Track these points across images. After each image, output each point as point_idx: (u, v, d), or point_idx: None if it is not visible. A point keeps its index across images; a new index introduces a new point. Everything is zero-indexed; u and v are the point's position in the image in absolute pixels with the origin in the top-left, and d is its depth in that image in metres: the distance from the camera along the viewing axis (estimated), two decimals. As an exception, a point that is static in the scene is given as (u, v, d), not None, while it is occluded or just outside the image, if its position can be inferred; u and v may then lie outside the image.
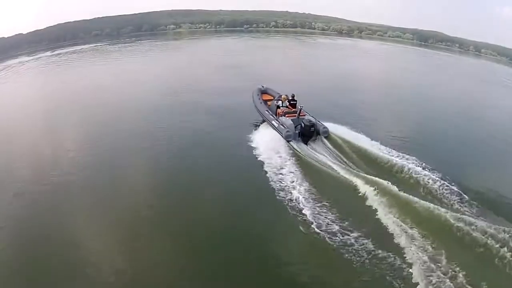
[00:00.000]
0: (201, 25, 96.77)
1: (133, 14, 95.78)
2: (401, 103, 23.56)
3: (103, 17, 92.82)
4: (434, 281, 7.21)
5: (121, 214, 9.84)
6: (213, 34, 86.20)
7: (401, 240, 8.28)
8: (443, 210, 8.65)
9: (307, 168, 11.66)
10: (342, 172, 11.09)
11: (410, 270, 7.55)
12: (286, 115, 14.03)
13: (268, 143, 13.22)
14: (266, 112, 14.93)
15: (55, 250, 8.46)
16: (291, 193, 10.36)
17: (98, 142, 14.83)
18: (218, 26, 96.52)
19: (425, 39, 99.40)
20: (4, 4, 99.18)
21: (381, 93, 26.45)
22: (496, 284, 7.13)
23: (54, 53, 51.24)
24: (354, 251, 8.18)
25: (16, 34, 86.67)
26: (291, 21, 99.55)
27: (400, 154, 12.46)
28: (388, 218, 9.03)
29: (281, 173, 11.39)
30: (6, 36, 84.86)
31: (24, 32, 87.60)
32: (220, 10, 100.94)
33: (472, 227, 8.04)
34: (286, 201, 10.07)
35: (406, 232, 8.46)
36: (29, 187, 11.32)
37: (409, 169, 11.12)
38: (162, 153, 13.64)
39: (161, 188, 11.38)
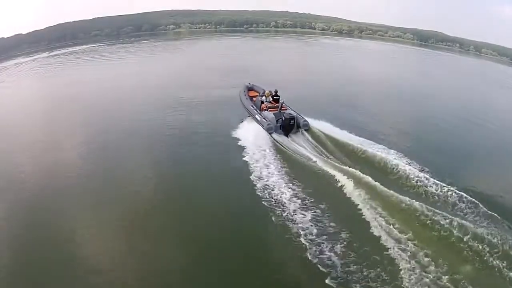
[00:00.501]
0: (201, 25, 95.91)
1: (133, 14, 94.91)
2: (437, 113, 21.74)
3: (103, 17, 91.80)
4: (404, 268, 7.53)
5: (107, 214, 9.91)
6: (214, 34, 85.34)
7: (377, 230, 8.58)
8: (417, 203, 8.94)
9: (287, 160, 12.15)
10: (321, 164, 11.57)
11: (384, 256, 7.90)
12: (269, 110, 14.69)
13: (251, 136, 13.75)
14: (251, 107, 15.57)
15: (55, 250, 8.48)
16: (270, 184, 10.70)
17: (84, 150, 14.39)
18: (218, 26, 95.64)
19: (425, 39, 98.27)
20: (4, 4, 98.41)
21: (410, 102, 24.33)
22: (466, 270, 7.48)
23: (51, 54, 50.45)
24: (330, 242, 8.37)
25: (15, 35, 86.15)
26: (291, 21, 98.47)
27: (391, 150, 12.79)
28: (365, 207, 9.35)
29: (261, 165, 11.81)
30: (5, 37, 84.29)
31: (24, 33, 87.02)
32: (220, 10, 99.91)
33: (447, 220, 8.40)
34: (265, 193, 10.36)
35: (381, 224, 8.76)
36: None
37: (390, 162, 11.42)
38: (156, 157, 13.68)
39: (149, 182, 11.48)
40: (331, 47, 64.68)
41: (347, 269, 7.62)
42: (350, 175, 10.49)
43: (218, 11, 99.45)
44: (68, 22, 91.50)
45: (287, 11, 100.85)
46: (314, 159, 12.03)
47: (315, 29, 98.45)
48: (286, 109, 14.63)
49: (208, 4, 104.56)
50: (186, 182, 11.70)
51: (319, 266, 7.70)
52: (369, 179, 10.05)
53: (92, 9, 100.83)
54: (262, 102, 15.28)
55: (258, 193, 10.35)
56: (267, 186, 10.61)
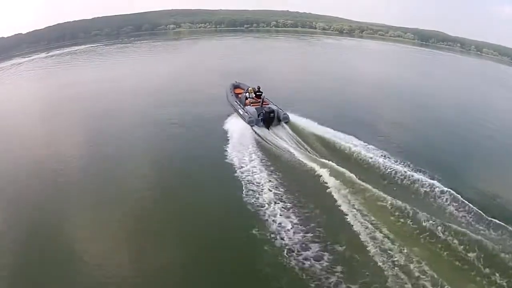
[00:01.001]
0: (201, 24, 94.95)
1: (133, 13, 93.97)
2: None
3: (103, 16, 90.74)
4: (379, 260, 7.68)
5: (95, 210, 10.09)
6: (214, 34, 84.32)
7: (352, 220, 8.88)
8: (389, 197, 9.20)
9: (268, 152, 12.73)
10: (300, 156, 12.06)
11: (354, 243, 8.22)
12: (252, 105, 15.49)
13: (235, 130, 14.51)
14: (235, 103, 16.47)
15: (52, 249, 8.57)
16: (251, 175, 11.10)
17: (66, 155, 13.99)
18: (218, 26, 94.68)
19: (426, 38, 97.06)
20: (5, 3, 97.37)
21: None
22: (438, 262, 7.62)
23: (49, 54, 49.59)
24: (306, 233, 8.59)
25: (15, 34, 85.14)
26: (291, 20, 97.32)
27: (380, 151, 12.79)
28: (341, 200, 9.68)
29: (243, 157, 12.31)
30: (5, 36, 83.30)
31: (24, 32, 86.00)
32: (220, 9, 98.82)
33: (421, 217, 8.56)
34: (246, 183, 10.66)
35: (355, 214, 9.10)
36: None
37: (365, 156, 11.96)
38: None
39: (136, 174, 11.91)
40: (334, 47, 63.52)
41: (321, 261, 7.83)
42: (326, 167, 10.93)
43: (218, 11, 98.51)
44: (67, 22, 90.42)
45: (287, 10, 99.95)
46: (293, 151, 12.59)
47: (316, 28, 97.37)
48: (267, 104, 15.52)
49: (208, 4, 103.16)
50: (171, 175, 12.02)
51: (293, 257, 7.89)
52: (345, 171, 10.57)
53: (92, 9, 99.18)
54: (246, 98, 16.06)
55: (238, 184, 10.63)
56: (248, 177, 10.98)
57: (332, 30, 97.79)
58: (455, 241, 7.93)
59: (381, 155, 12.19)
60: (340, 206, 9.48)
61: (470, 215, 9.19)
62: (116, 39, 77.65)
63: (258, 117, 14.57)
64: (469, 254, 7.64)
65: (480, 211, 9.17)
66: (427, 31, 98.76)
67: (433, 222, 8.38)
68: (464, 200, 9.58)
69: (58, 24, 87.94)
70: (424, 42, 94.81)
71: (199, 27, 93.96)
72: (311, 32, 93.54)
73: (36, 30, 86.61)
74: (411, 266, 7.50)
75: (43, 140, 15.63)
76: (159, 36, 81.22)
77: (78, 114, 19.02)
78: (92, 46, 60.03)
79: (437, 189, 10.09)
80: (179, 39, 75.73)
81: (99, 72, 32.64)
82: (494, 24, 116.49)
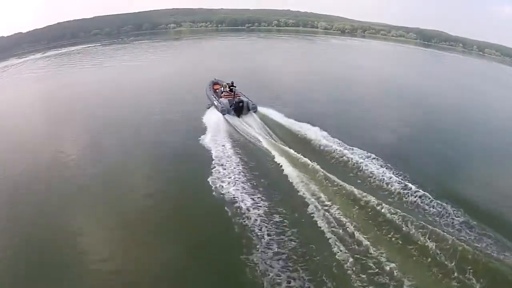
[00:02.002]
0: (202, 24, 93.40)
1: (133, 13, 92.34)
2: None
3: (103, 15, 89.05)
4: (334, 246, 8.29)
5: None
6: (215, 33, 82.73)
7: (312, 208, 9.64)
8: (348, 185, 10.19)
9: (237, 138, 14.47)
10: (265, 143, 13.58)
11: (309, 224, 9.09)
12: (225, 97, 17.48)
13: (211, 118, 16.65)
14: (212, 96, 18.53)
15: (56, 248, 8.86)
16: (221, 159, 12.41)
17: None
18: (219, 25, 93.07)
19: (428, 38, 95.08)
20: (5, 2, 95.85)
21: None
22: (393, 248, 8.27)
23: (44, 55, 48.04)
24: (266, 215, 9.48)
25: (15, 33, 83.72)
26: (293, 20, 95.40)
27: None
28: (299, 183, 10.77)
29: (215, 142, 13.89)
30: (5, 35, 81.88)
31: (24, 31, 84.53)
32: (221, 8, 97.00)
33: (379, 207, 9.22)
34: (216, 166, 11.95)
35: (309, 197, 10.09)
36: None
37: (324, 145, 13.30)
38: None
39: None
40: (341, 49, 61.71)
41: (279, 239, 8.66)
42: (286, 154, 12.45)
43: (219, 10, 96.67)
44: (68, 21, 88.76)
45: (288, 9, 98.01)
46: (260, 138, 14.19)
47: (317, 28, 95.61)
48: (239, 96, 17.35)
49: (209, 3, 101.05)
50: (149, 154, 13.94)
51: (255, 232, 8.82)
52: (300, 156, 11.95)
53: (93, 8, 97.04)
54: (222, 92, 18.15)
55: (210, 166, 11.96)
56: (219, 161, 12.25)
57: (334, 30, 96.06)
58: (415, 231, 8.48)
59: (337, 143, 13.46)
60: (296, 186, 10.71)
61: (426, 204, 9.93)
62: (116, 38, 76.08)
63: (230, 107, 16.54)
64: (427, 244, 8.18)
65: (439, 201, 9.89)
66: (429, 31, 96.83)
67: (376, 201, 9.37)
68: (426, 193, 10.15)
69: (58, 23, 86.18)
70: (426, 42, 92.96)
71: (200, 26, 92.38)
72: (313, 32, 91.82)
73: (36, 29, 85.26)
74: (362, 244, 8.35)
75: (36, 141, 16.10)
76: (159, 36, 79.70)
77: (76, 114, 19.61)
78: (89, 46, 58.63)
79: (382, 174, 11.22)
80: (179, 39, 74.19)
81: (88, 77, 31.24)
82: (495, 24, 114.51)
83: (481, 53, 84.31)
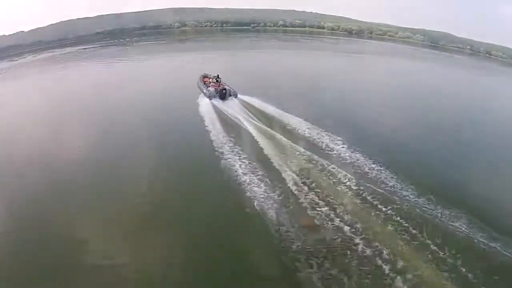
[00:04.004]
0: (207, 23, 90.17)
1: (137, 12, 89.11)
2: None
3: (107, 14, 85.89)
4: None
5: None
6: (221, 33, 79.78)
7: (286, 176, 12.26)
8: (319, 158, 13.41)
9: (224, 118, 18.26)
10: (245, 123, 17.20)
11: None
12: (212, 86, 22.02)
13: (201, 103, 20.99)
14: (202, 86, 23.07)
15: (69, 245, 8.97)
16: (212, 133, 16.35)
17: None
18: (224, 25, 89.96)
19: (435, 40, 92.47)
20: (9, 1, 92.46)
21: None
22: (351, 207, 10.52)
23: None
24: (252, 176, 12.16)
25: (17, 32, 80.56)
26: (299, 20, 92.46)
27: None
28: (275, 157, 13.65)
29: (205, 120, 18.11)
30: (7, 34, 78.73)
31: (26, 30, 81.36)
32: (226, 8, 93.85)
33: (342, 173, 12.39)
34: (208, 138, 15.81)
35: (285, 169, 12.70)
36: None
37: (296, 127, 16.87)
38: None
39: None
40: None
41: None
42: (259, 129, 16.24)
43: (224, 9, 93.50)
44: (71, 19, 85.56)
45: (293, 10, 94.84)
46: (239, 117, 18.07)
47: (323, 28, 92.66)
48: (223, 85, 21.91)
49: (214, 2, 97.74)
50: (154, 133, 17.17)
51: (244, 187, 11.43)
52: (270, 130, 16.11)
53: (98, 8, 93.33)
54: (210, 83, 22.91)
55: (206, 138, 15.75)
56: (209, 135, 16.00)
57: (340, 31, 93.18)
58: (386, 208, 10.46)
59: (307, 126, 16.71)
60: (270, 158, 13.46)
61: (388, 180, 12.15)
62: (119, 38, 73.02)
63: (216, 93, 21.06)
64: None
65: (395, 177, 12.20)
66: (435, 33, 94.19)
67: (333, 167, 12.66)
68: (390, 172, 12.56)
69: (61, 22, 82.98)
70: (433, 44, 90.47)
71: (205, 26, 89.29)
72: (319, 33, 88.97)
73: (39, 28, 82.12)
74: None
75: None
76: (162, 36, 76.68)
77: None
78: (85, 48, 55.89)
79: (343, 153, 14.04)
80: (186, 41, 71.25)
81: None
82: (501, 26, 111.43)
83: (487, 55, 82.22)
